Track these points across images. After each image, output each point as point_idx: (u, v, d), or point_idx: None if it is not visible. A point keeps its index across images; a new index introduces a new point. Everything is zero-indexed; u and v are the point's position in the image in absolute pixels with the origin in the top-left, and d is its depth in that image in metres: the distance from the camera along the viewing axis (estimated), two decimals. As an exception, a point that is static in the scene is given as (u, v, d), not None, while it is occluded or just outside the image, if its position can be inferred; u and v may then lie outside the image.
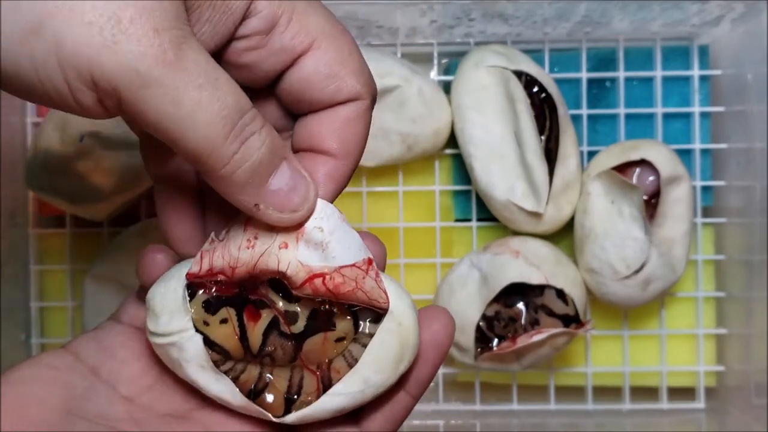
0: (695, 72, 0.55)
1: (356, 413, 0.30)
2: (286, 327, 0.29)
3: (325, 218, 0.27)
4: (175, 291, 0.28)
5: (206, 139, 0.23)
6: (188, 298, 0.28)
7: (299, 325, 0.29)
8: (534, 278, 0.48)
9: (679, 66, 0.55)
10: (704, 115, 0.55)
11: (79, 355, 0.29)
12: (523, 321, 0.49)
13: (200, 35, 0.25)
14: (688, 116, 0.55)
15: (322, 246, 0.27)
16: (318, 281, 0.27)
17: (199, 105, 0.23)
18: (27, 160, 0.51)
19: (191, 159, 0.24)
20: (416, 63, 0.53)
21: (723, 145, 0.54)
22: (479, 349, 0.49)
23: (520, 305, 0.49)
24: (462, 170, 0.53)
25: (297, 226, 0.27)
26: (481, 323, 0.49)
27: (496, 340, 0.49)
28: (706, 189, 0.55)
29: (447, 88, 0.53)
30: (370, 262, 0.28)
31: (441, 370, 0.54)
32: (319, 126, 0.28)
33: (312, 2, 0.26)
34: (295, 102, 0.28)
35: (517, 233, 0.53)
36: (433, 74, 0.55)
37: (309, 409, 0.28)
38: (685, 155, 0.54)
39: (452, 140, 0.53)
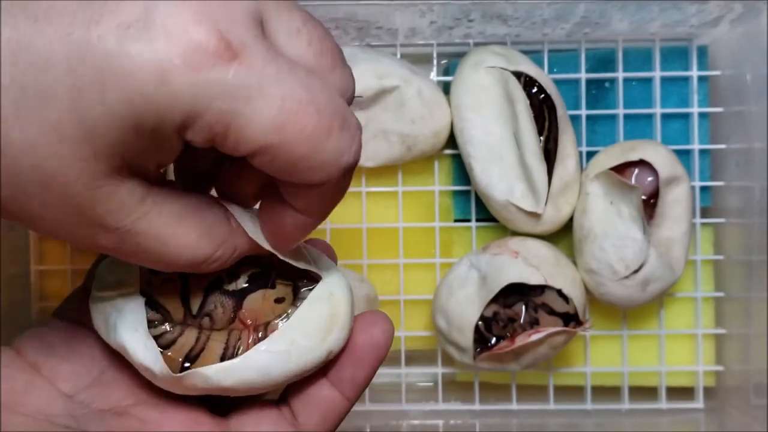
0: (694, 72, 0.55)
1: (287, 404, 0.30)
2: (228, 283, 0.29)
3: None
4: None
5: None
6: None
7: (240, 282, 0.29)
8: (533, 279, 0.48)
9: (678, 67, 0.55)
10: (703, 116, 0.55)
11: (20, 351, 0.29)
12: (522, 320, 0.49)
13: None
14: (686, 117, 0.55)
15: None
16: None
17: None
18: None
19: None
20: (416, 64, 0.54)
21: (722, 146, 0.54)
22: (478, 350, 0.49)
23: (519, 305, 0.49)
24: (461, 171, 0.54)
25: None
26: (479, 323, 0.49)
27: (494, 339, 0.49)
28: (704, 189, 0.55)
29: (446, 88, 0.53)
30: None
31: (440, 370, 0.55)
32: (291, 196, 0.26)
33: (258, 105, 0.22)
34: None
35: (516, 234, 0.53)
36: (433, 75, 0.55)
37: (230, 363, 0.27)
38: (684, 156, 0.54)
39: (452, 141, 0.53)
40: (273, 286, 0.29)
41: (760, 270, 0.50)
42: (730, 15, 0.50)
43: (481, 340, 0.49)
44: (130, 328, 0.28)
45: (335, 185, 0.25)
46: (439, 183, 0.55)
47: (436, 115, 0.51)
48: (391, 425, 0.53)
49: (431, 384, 0.56)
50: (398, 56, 0.54)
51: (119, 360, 0.30)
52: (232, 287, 0.29)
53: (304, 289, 0.30)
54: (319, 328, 0.28)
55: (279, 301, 0.29)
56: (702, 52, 0.55)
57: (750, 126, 0.51)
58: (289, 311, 0.29)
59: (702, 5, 0.49)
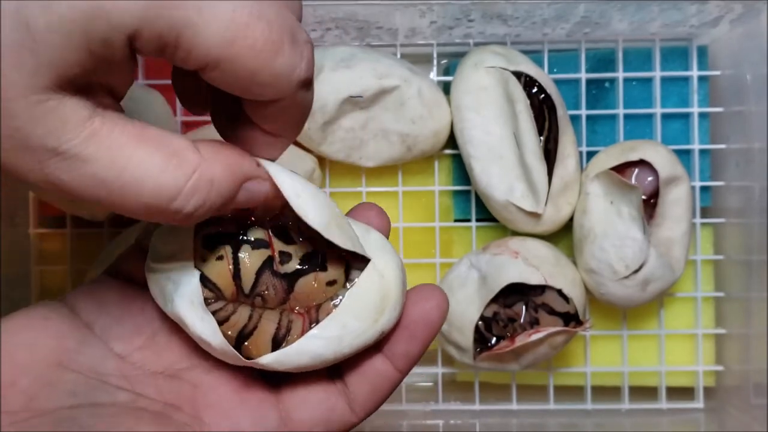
0: (694, 72, 0.55)
1: (340, 374, 0.30)
2: (279, 266, 0.29)
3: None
4: (181, 229, 0.29)
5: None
6: (193, 235, 0.29)
7: (292, 265, 0.29)
8: (533, 278, 0.48)
9: (678, 66, 0.55)
10: (703, 116, 0.55)
11: (74, 308, 0.29)
12: (522, 320, 0.49)
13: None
14: (686, 117, 0.55)
15: None
16: None
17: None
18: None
19: None
20: (416, 64, 0.54)
21: (722, 146, 0.54)
22: (478, 350, 0.49)
23: (519, 305, 0.49)
24: (461, 170, 0.54)
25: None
26: (479, 323, 0.49)
27: (494, 339, 0.49)
28: (704, 189, 0.55)
29: (446, 88, 0.53)
30: None
31: (440, 370, 0.55)
32: (257, 116, 0.26)
33: (209, 15, 0.22)
34: None
35: (516, 233, 0.53)
36: (433, 75, 0.55)
37: (283, 351, 0.28)
38: (683, 156, 0.54)
39: (452, 141, 0.53)
40: (325, 269, 0.29)
41: (760, 270, 0.50)
42: (730, 15, 0.50)
43: (481, 340, 0.49)
44: (187, 300, 0.28)
45: (295, 101, 0.25)
46: (439, 183, 0.55)
47: (436, 115, 0.51)
48: (391, 425, 0.53)
49: (431, 384, 0.56)
50: (398, 56, 0.54)
51: (173, 321, 0.29)
52: (284, 269, 0.29)
53: (355, 269, 0.29)
54: (371, 310, 0.28)
55: (331, 283, 0.29)
56: (702, 52, 0.55)
57: (750, 126, 0.51)
58: (340, 293, 0.29)
59: (702, 5, 0.49)
